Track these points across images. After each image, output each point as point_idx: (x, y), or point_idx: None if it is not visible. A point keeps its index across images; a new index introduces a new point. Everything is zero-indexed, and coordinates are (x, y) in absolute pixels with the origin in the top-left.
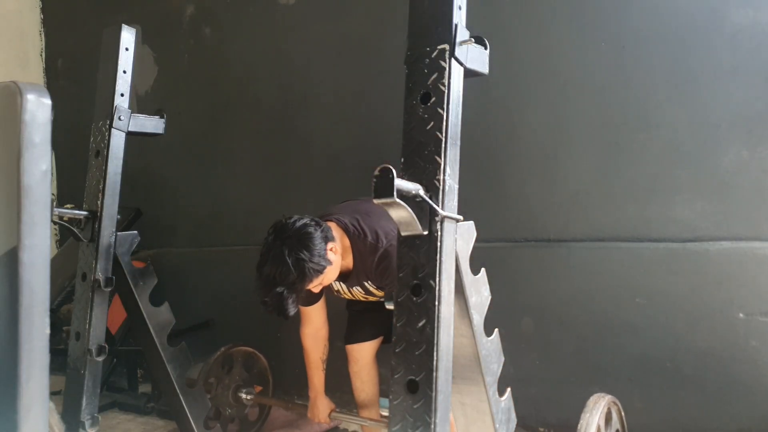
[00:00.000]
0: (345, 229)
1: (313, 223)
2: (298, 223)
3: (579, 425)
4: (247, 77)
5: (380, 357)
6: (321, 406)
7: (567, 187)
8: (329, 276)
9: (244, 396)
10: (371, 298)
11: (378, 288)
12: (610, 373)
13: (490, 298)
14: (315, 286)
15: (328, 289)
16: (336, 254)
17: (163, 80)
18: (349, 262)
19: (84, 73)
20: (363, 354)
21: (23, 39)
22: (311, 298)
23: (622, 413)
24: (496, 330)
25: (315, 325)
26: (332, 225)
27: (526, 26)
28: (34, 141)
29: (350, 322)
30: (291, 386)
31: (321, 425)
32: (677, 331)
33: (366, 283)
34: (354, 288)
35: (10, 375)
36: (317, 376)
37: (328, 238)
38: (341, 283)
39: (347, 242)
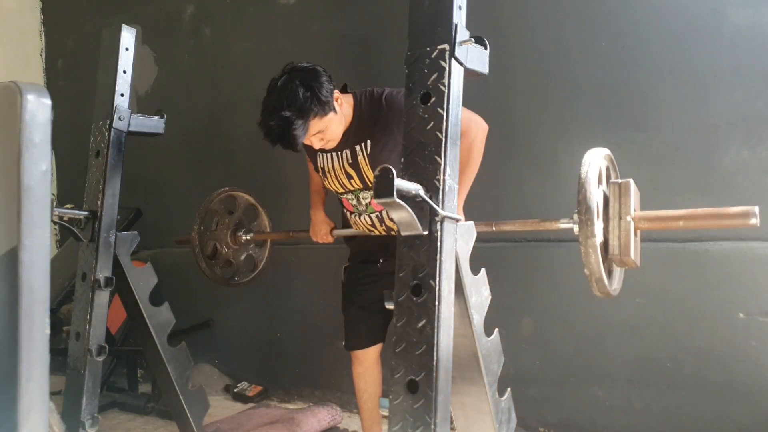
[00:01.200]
0: (353, 93)
1: (322, 69)
2: (307, 64)
3: (583, 161)
4: (247, 77)
5: (385, 357)
6: (322, 224)
7: (567, 186)
8: (332, 129)
9: (243, 236)
10: (354, 178)
11: (369, 156)
12: (610, 373)
13: (490, 298)
14: (316, 133)
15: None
16: (341, 107)
17: (163, 80)
18: (350, 118)
19: (84, 73)
20: (367, 356)
21: (23, 39)
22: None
23: (616, 166)
24: (496, 330)
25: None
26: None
27: (526, 26)
28: (34, 141)
29: (348, 327)
30: (291, 386)
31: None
32: (677, 331)
33: (358, 147)
34: (344, 153)
35: (10, 375)
36: (318, 195)
37: (334, 88)
38: (332, 153)
39: (352, 102)
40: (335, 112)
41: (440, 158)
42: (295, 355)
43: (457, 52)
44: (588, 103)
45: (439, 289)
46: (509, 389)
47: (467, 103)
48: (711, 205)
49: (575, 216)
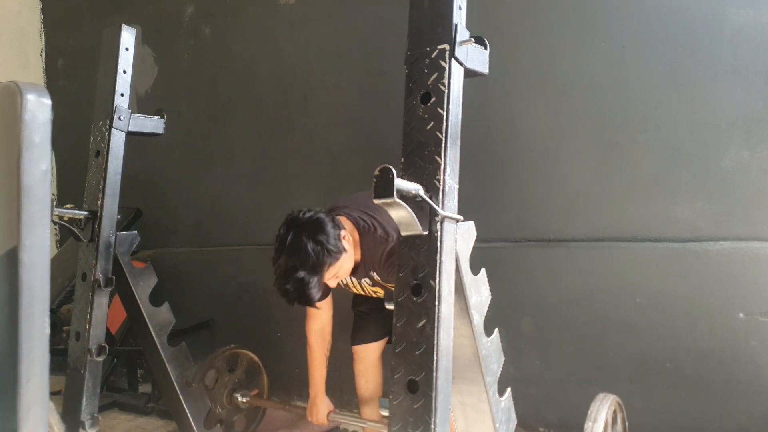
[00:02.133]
0: (355, 224)
1: (323, 213)
2: (309, 214)
3: (588, 412)
4: (247, 77)
5: (385, 357)
6: (320, 405)
7: (567, 187)
8: (345, 266)
9: (239, 398)
10: (379, 291)
11: (384, 281)
12: (610, 373)
13: (490, 298)
14: (332, 277)
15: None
16: (349, 243)
17: (163, 80)
18: (358, 255)
19: (84, 73)
20: (369, 354)
21: (23, 39)
22: (321, 294)
23: (626, 417)
24: (496, 330)
25: (321, 322)
26: (343, 219)
27: (526, 26)
28: (34, 141)
29: (356, 323)
30: (291, 386)
31: (321, 426)
32: (677, 331)
33: (372, 274)
34: (363, 280)
35: (10, 375)
36: (319, 374)
37: (339, 227)
38: (351, 277)
39: (357, 236)
40: (345, 251)
41: (440, 158)
42: (295, 355)
43: (457, 52)
44: (588, 103)
45: (439, 289)
46: (509, 389)
47: (467, 103)
48: (711, 205)
49: None
